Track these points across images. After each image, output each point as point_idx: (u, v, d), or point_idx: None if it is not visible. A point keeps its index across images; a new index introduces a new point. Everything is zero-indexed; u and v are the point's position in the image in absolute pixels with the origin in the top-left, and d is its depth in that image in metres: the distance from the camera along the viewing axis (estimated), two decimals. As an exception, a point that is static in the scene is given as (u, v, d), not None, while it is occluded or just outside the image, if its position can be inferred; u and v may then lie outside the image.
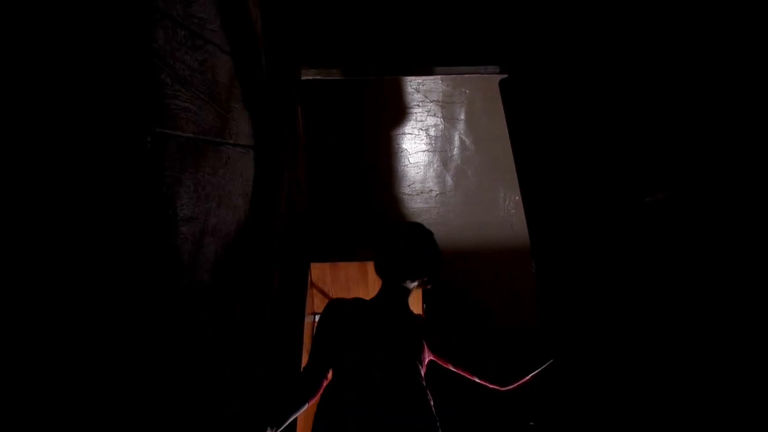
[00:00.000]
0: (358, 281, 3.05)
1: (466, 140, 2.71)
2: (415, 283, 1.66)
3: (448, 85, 2.60)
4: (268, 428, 1.30)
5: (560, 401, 1.48)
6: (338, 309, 1.60)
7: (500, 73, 1.73)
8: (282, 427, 1.36)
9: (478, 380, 1.51)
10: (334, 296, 2.98)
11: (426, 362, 1.57)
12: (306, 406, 1.44)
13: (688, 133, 0.87)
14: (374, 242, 1.69)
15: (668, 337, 0.95)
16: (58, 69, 0.52)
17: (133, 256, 0.66)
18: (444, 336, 1.62)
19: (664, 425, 0.95)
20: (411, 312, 1.68)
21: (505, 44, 1.68)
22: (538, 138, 1.49)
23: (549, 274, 1.33)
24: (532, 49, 1.58)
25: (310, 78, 1.72)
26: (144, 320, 0.68)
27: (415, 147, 2.67)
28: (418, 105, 2.61)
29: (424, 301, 2.68)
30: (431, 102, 2.61)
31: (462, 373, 1.53)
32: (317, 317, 2.98)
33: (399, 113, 2.61)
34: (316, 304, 3.01)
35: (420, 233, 1.68)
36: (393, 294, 1.64)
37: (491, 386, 1.50)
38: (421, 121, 2.63)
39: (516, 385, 1.47)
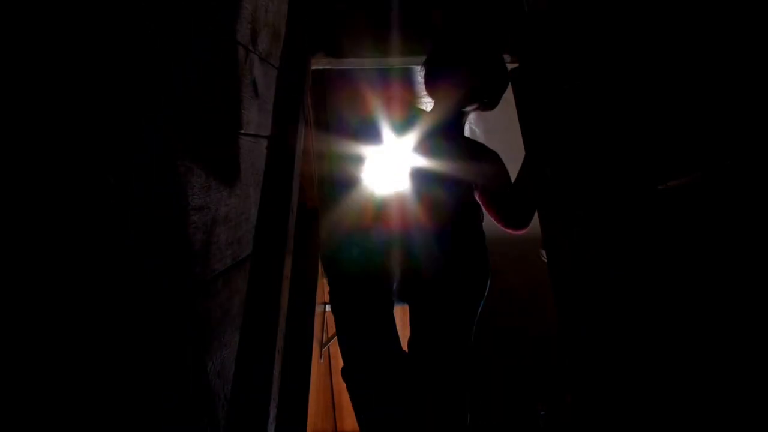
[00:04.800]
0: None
1: (477, 130, 2.70)
2: (474, 105, 1.54)
3: (458, 75, 2.58)
4: None
5: (571, 391, 1.48)
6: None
7: (511, 62, 1.71)
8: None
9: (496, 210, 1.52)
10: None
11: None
12: None
13: (703, 119, 0.86)
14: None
15: (682, 329, 0.95)
16: (69, 61, 0.52)
17: (144, 246, 0.66)
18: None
19: (679, 419, 0.94)
20: (468, 139, 1.59)
21: (516, 33, 1.66)
22: (549, 128, 1.48)
23: (560, 262, 1.33)
24: (544, 38, 1.56)
25: (321, 68, 1.72)
26: (152, 315, 0.69)
27: (425, 137, 2.65)
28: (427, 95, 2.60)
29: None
30: (441, 92, 2.59)
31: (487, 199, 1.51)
32: (327, 307, 2.99)
33: (408, 103, 2.60)
34: (327, 294, 3.02)
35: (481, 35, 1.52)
36: (447, 120, 1.51)
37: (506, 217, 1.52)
38: (430, 111, 2.61)
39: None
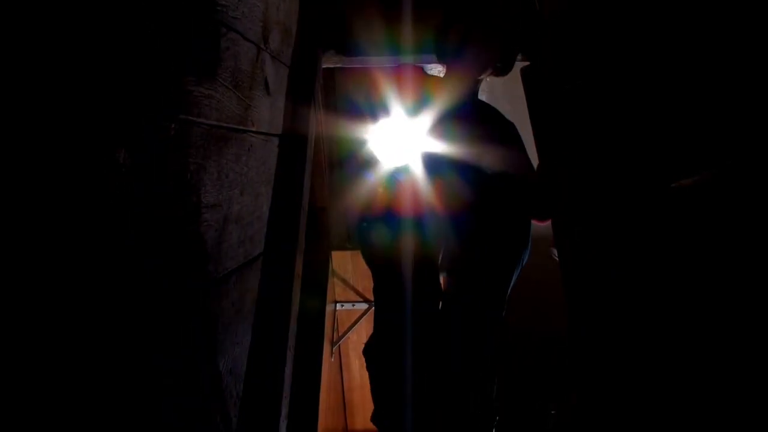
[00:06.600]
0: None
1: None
2: (488, 71, 1.48)
3: (468, 73, 2.56)
4: None
5: (581, 389, 1.47)
6: None
7: (521, 60, 1.70)
8: None
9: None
10: (355, 285, 3.00)
11: None
12: None
13: (719, 116, 0.85)
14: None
15: (693, 329, 0.94)
16: (71, 61, 0.52)
17: (151, 245, 0.66)
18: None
19: (690, 418, 0.93)
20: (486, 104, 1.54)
21: (527, 32, 1.65)
22: (560, 125, 1.47)
23: (572, 261, 1.32)
24: (555, 36, 1.55)
25: (331, 66, 1.72)
26: (163, 313, 0.69)
27: (436, 135, 2.64)
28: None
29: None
30: (452, 89, 2.58)
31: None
32: (338, 306, 3.00)
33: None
34: (338, 292, 3.02)
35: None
36: (462, 88, 1.45)
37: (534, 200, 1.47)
38: (441, 108, 2.60)
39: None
